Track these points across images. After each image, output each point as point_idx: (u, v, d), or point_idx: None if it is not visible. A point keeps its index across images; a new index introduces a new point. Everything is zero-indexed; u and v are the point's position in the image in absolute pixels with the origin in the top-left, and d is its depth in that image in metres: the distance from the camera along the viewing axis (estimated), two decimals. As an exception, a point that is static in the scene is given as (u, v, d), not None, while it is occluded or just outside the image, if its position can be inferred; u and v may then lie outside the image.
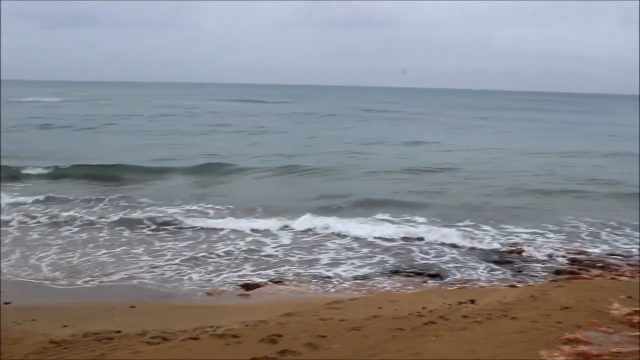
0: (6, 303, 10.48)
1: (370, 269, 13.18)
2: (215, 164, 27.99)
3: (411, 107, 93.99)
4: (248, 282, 12.15)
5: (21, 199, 19.58)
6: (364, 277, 12.61)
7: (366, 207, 19.07)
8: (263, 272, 12.95)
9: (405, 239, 15.50)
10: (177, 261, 13.57)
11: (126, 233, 15.92)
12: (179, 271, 12.90)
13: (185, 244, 14.97)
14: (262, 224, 16.50)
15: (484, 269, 13.30)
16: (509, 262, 13.78)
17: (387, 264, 13.50)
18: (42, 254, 13.82)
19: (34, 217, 17.14)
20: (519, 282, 12.37)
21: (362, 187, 23.09)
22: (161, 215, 17.64)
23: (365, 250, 14.61)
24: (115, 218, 17.22)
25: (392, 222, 17.07)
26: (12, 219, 16.78)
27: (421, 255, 14.28)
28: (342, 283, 12.26)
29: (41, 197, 19.69)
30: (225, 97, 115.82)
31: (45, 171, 25.30)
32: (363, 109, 79.82)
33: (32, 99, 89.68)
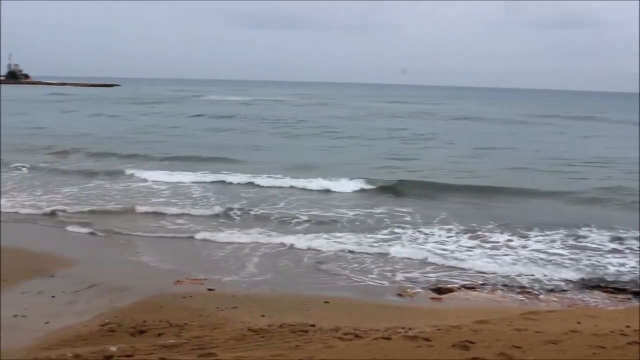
0: (209, 290, 11.27)
1: (566, 282, 12.56)
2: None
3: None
4: (440, 286, 12.13)
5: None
6: (561, 290, 12.07)
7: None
8: (454, 276, 12.83)
9: (609, 252, 14.59)
10: (370, 260, 13.82)
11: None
12: (372, 268, 13.19)
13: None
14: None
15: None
16: None
17: (585, 277, 12.78)
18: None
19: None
20: None
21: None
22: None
23: (557, 260, 13.93)
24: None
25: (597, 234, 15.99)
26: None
27: (621, 269, 13.34)
28: (538, 294, 11.82)
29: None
30: (426, 100, 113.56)
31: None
32: (583, 116, 72.21)
33: (231, 98, 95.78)
